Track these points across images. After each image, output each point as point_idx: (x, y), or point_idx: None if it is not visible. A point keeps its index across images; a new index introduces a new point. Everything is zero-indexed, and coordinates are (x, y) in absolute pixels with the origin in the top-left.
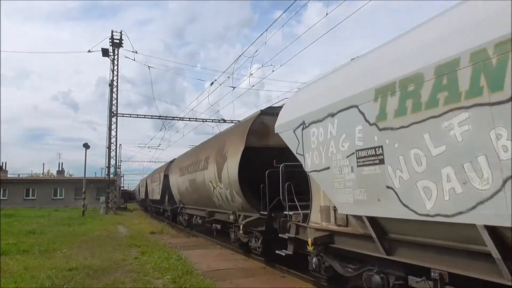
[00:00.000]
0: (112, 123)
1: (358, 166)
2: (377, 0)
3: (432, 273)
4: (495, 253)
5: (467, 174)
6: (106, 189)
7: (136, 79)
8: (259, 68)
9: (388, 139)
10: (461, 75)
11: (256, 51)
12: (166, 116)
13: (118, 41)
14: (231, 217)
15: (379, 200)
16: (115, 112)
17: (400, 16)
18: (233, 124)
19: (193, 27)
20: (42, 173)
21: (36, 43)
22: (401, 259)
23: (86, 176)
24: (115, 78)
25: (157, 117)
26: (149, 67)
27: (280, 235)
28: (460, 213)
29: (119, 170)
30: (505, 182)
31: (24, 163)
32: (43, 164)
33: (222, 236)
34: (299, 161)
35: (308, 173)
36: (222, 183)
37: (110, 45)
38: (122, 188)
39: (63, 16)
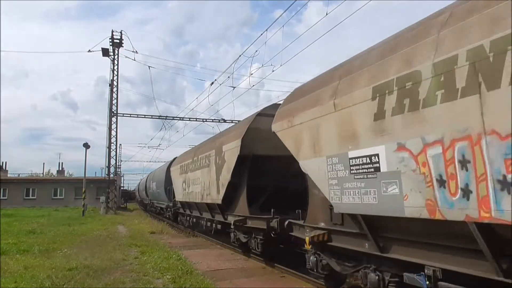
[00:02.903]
0: (112, 123)
1: None
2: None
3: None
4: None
5: None
6: (106, 189)
7: (135, 78)
8: (259, 68)
9: None
10: None
11: (256, 51)
12: (166, 116)
13: (118, 41)
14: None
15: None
16: (115, 112)
17: (400, 15)
18: (233, 124)
19: (193, 26)
20: (42, 173)
21: (34, 42)
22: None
23: (86, 176)
24: (115, 78)
25: (157, 117)
26: (149, 67)
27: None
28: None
29: (119, 170)
30: None
31: (24, 163)
32: (43, 164)
33: (221, 236)
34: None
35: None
36: None
37: (110, 45)
38: (122, 188)
39: (61, 15)
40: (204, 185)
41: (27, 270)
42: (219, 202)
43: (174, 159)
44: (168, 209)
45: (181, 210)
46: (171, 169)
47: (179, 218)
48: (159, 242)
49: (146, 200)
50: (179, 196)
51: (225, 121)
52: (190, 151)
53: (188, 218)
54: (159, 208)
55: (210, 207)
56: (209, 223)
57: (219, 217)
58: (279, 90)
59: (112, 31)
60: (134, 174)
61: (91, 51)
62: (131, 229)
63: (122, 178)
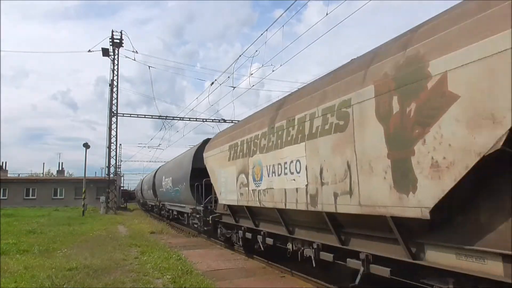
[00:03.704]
0: (112, 123)
1: None
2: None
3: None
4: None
5: None
6: (106, 188)
7: (135, 78)
8: (259, 68)
9: None
10: None
11: (256, 51)
12: (166, 116)
13: (118, 41)
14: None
15: None
16: (115, 112)
17: (400, 15)
18: (233, 123)
19: (192, 26)
20: (42, 173)
21: (34, 42)
22: None
23: (86, 176)
24: (115, 78)
25: (157, 117)
26: (149, 67)
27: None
28: None
29: (119, 170)
30: None
31: (24, 163)
32: (43, 163)
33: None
34: None
35: None
36: None
37: (110, 45)
38: (122, 188)
39: (61, 15)
40: (323, 174)
41: (27, 270)
42: (421, 215)
43: (207, 140)
44: (195, 215)
45: (227, 219)
46: (206, 155)
47: (219, 231)
48: (159, 242)
49: (152, 202)
50: (229, 197)
51: (225, 121)
52: (253, 117)
53: (245, 234)
54: (175, 213)
55: (339, 222)
56: (325, 255)
57: (392, 251)
58: (279, 90)
59: (112, 31)
60: (134, 174)
61: (91, 51)
62: (131, 229)
63: (122, 178)
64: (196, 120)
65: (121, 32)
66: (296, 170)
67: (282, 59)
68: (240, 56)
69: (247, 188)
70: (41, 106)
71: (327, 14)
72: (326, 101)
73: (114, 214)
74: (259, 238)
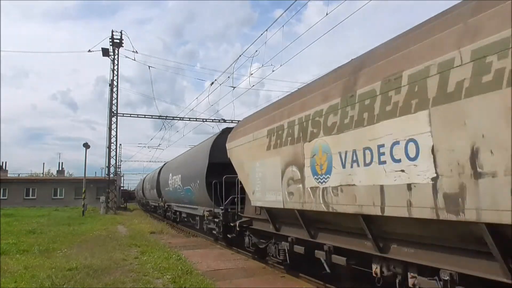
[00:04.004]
0: (112, 123)
1: None
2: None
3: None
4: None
5: None
6: (106, 188)
7: (135, 78)
8: (259, 68)
9: None
10: None
11: (256, 51)
12: (166, 116)
13: (118, 41)
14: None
15: None
16: (115, 112)
17: (400, 15)
18: (233, 123)
19: (192, 26)
20: (42, 173)
21: (34, 42)
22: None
23: (86, 176)
24: (115, 78)
25: (157, 117)
26: (149, 67)
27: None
28: None
29: (119, 170)
30: None
31: (24, 163)
32: (43, 163)
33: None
34: None
35: None
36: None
37: (110, 45)
38: (122, 188)
39: (61, 15)
40: (482, 159)
41: (27, 270)
42: None
43: (226, 129)
44: (211, 219)
45: (261, 226)
46: (230, 145)
47: (248, 239)
48: (159, 242)
49: (156, 202)
50: (267, 197)
51: (225, 121)
52: (308, 89)
53: (293, 247)
54: (184, 215)
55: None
56: None
57: None
58: (279, 90)
59: (112, 31)
60: (134, 174)
61: (91, 51)
62: (131, 229)
63: (122, 178)
64: (196, 120)
65: (121, 32)
66: (407, 155)
67: (282, 59)
68: (240, 56)
69: (300, 186)
70: (41, 106)
71: (327, 14)
72: (479, 37)
73: (114, 214)
74: (321, 255)
